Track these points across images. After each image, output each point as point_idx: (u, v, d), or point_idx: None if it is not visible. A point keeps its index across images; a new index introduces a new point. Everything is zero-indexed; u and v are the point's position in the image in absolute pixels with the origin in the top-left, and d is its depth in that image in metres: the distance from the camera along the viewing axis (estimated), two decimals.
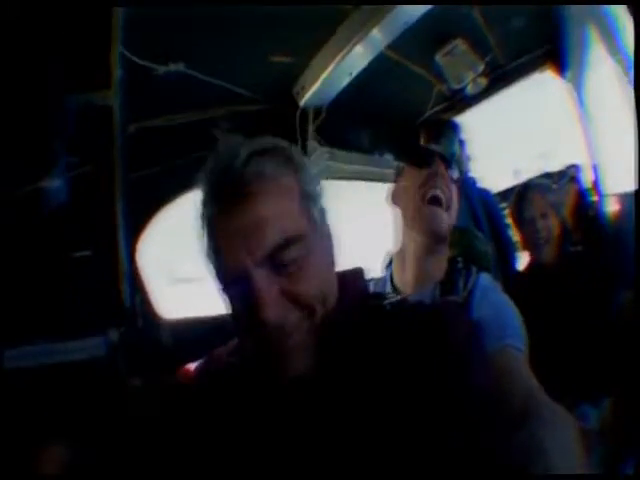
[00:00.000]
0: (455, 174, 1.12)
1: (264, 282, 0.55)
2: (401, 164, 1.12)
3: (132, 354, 1.01)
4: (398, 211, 1.11)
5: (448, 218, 1.05)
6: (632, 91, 1.06)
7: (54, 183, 1.01)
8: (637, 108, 1.02)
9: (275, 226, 0.57)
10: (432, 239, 1.04)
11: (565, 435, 0.63)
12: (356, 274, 0.72)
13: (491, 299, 0.95)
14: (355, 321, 0.64)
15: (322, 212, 0.65)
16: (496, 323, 0.87)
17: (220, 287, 0.61)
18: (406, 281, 1.07)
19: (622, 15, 1.17)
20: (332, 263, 0.66)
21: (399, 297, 0.75)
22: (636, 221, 1.10)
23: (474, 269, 1.03)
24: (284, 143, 0.65)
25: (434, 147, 1.17)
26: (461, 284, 0.99)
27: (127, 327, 1.02)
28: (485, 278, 1.01)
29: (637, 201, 1.17)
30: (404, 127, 2.13)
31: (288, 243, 0.57)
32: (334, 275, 0.66)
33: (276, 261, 0.56)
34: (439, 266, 1.05)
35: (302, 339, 0.58)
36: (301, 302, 0.58)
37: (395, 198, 1.13)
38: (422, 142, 1.97)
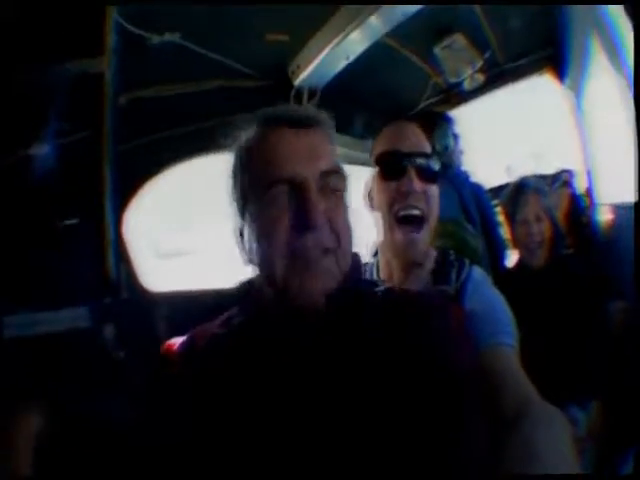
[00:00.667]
0: (433, 182, 1.02)
1: (315, 192, 0.63)
2: (374, 167, 1.04)
3: (117, 325, 1.02)
4: (376, 215, 1.06)
5: (424, 236, 0.99)
6: (631, 94, 1.06)
7: (43, 150, 1.00)
8: (636, 112, 1.02)
9: (331, 156, 0.67)
10: (406, 262, 1.01)
11: (558, 434, 0.64)
12: (356, 257, 0.74)
13: (483, 293, 0.95)
14: (350, 303, 0.67)
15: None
16: (488, 318, 0.88)
17: (262, 202, 0.65)
18: (393, 279, 1.05)
19: (623, 24, 1.17)
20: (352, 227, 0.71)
21: (390, 285, 0.77)
22: (635, 231, 1.11)
23: (467, 261, 1.02)
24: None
25: (413, 149, 1.01)
26: (454, 275, 0.98)
27: (112, 298, 1.02)
28: (478, 271, 1.00)
29: (637, 211, 1.18)
30: (397, 115, 2.13)
31: (337, 171, 0.67)
32: (353, 241, 0.71)
33: (326, 184, 0.65)
34: (424, 273, 1.02)
35: (326, 270, 0.64)
36: (336, 232, 0.65)
37: (371, 203, 1.07)
38: None
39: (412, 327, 0.63)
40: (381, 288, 0.74)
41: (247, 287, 0.74)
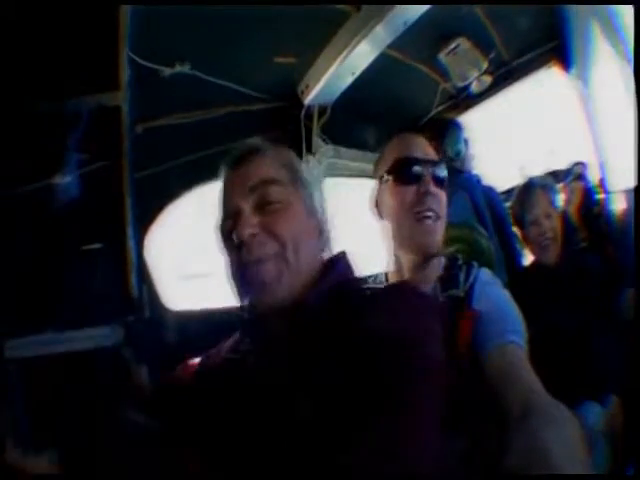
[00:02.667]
0: (443, 187, 1.05)
1: (247, 208, 0.70)
2: (386, 176, 1.06)
3: (138, 345, 1.05)
4: (386, 223, 1.08)
5: (440, 227, 1.03)
6: (633, 88, 1.06)
7: (66, 179, 1.06)
8: (637, 104, 1.01)
9: (264, 172, 0.73)
10: (423, 256, 1.03)
11: (567, 432, 0.63)
12: (339, 259, 0.78)
13: (491, 293, 0.95)
14: (329, 307, 0.67)
15: (311, 192, 0.78)
16: (496, 318, 0.88)
17: (221, 234, 0.74)
18: None
19: (625, 13, 1.16)
20: (313, 233, 0.75)
21: (381, 285, 0.79)
22: (636, 218, 1.09)
23: (475, 264, 1.03)
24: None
25: (426, 157, 1.05)
26: (462, 278, 0.99)
27: (134, 318, 1.06)
28: (485, 273, 1.01)
29: (637, 198, 1.16)
30: (409, 126, 2.14)
31: (272, 182, 0.72)
32: (314, 244, 0.75)
33: (258, 198, 0.71)
34: (433, 275, 1.03)
35: (274, 274, 0.67)
36: (274, 237, 0.69)
37: (379, 212, 1.09)
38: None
39: (375, 316, 0.63)
40: (371, 286, 0.78)
41: (244, 311, 0.77)
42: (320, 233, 0.76)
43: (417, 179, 1.02)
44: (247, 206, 0.70)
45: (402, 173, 1.04)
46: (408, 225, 1.02)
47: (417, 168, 1.03)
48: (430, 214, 1.00)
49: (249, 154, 0.75)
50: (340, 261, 0.77)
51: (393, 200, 1.04)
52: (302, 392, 0.58)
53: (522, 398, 0.71)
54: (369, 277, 1.10)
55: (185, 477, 0.65)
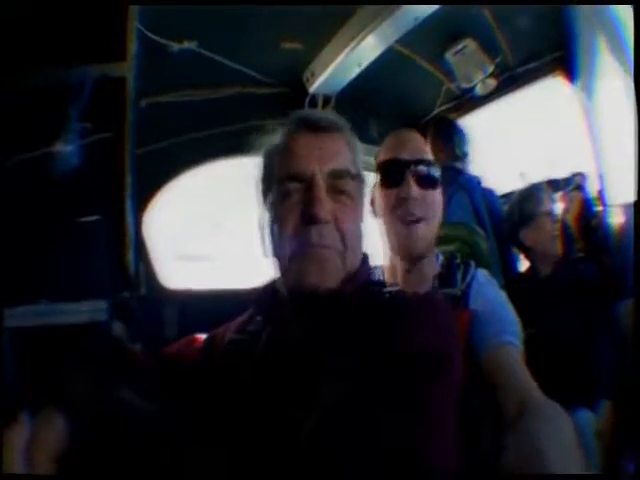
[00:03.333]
0: (433, 187, 1.01)
1: (322, 184, 0.66)
2: (376, 175, 1.03)
3: (133, 320, 1.03)
4: (380, 221, 1.06)
5: (424, 229, 0.99)
6: (633, 91, 1.06)
7: (66, 148, 1.04)
8: (637, 107, 1.02)
9: (344, 159, 0.70)
10: (409, 258, 1.01)
11: (563, 431, 0.63)
12: (364, 259, 0.76)
13: (488, 293, 0.95)
14: (359, 300, 0.67)
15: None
16: (493, 318, 0.88)
17: (276, 195, 0.69)
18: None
19: (629, 22, 1.17)
20: (364, 234, 0.73)
21: (397, 288, 0.76)
22: (635, 230, 1.11)
23: (472, 263, 1.03)
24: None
25: (411, 157, 1.00)
26: (459, 277, 0.98)
27: (130, 294, 1.04)
28: (482, 273, 1.01)
29: (637, 210, 1.18)
30: (412, 122, 2.15)
31: (349, 174, 0.69)
32: (362, 244, 0.73)
33: (335, 184, 0.67)
34: (429, 274, 1.02)
35: (332, 267, 0.65)
36: (341, 235, 0.66)
37: (374, 210, 1.07)
38: (430, 140, 1.92)
39: (413, 328, 0.61)
40: (390, 289, 0.73)
41: (264, 290, 0.76)
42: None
43: (398, 182, 0.99)
44: (322, 181, 0.66)
45: (385, 175, 1.02)
46: (393, 228, 1.00)
47: (399, 171, 0.99)
48: (412, 218, 0.97)
49: (331, 125, 0.71)
50: (366, 262, 0.76)
51: (380, 201, 1.03)
52: (321, 381, 0.58)
53: (518, 397, 0.72)
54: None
55: (180, 462, 0.65)
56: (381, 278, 1.09)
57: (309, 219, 0.64)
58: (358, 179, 0.71)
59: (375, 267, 1.12)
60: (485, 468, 0.55)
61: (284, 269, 0.68)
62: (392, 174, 1.01)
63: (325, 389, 0.56)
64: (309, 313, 0.66)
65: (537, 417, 0.66)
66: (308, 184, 0.66)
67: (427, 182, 0.99)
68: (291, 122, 0.73)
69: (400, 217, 0.98)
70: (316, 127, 0.70)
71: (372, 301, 0.69)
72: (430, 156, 1.04)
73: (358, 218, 0.71)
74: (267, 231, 0.71)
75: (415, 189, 0.97)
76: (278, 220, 0.68)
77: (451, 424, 0.54)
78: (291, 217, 0.66)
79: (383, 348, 0.58)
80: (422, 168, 0.99)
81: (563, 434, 0.62)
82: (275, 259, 0.70)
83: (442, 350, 0.59)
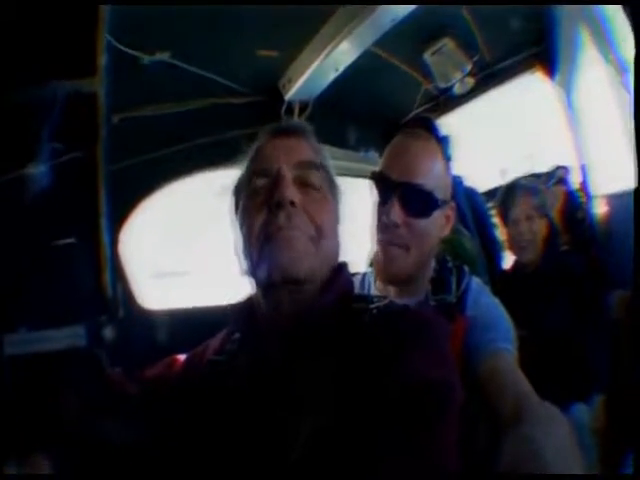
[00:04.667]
0: (422, 216, 0.92)
1: (289, 176, 0.67)
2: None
3: (112, 344, 1.00)
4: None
5: (405, 256, 0.94)
6: (631, 95, 1.06)
7: (37, 170, 1.00)
8: (636, 111, 1.02)
9: (309, 152, 0.72)
10: (388, 280, 0.99)
11: (559, 435, 0.63)
12: (342, 265, 0.74)
13: (483, 302, 0.95)
14: (335, 319, 0.66)
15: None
16: (489, 326, 0.89)
17: (246, 195, 0.71)
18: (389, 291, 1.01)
19: (615, 15, 1.17)
20: (338, 233, 0.73)
21: (386, 301, 0.72)
22: (635, 222, 1.11)
23: (466, 270, 1.01)
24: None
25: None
26: (453, 283, 0.97)
27: (108, 317, 1.01)
28: (476, 281, 1.00)
29: (636, 202, 1.18)
30: (390, 125, 2.14)
31: (314, 165, 0.71)
32: (337, 244, 0.72)
33: (302, 175, 0.69)
34: (421, 286, 0.99)
35: (304, 250, 0.64)
36: (312, 221, 0.66)
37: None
38: None
39: (409, 358, 0.58)
40: (378, 303, 0.70)
41: (240, 306, 0.74)
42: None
43: (384, 202, 0.93)
44: (289, 174, 0.67)
45: (375, 188, 0.97)
46: (375, 247, 0.98)
47: (385, 189, 0.94)
48: (392, 243, 0.93)
49: (295, 130, 0.75)
50: (345, 269, 0.74)
51: (371, 214, 0.99)
52: (303, 410, 0.56)
53: (514, 402, 0.72)
54: (355, 274, 1.07)
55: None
56: (369, 284, 1.08)
57: (276, 204, 0.64)
58: (325, 172, 0.73)
59: (364, 274, 1.11)
60: (482, 473, 0.54)
61: (255, 266, 0.67)
62: (380, 190, 0.96)
63: (307, 420, 0.55)
64: (287, 329, 0.64)
65: (534, 422, 0.66)
66: (275, 176, 0.67)
67: (414, 209, 0.92)
68: (261, 133, 0.76)
69: (380, 240, 0.95)
70: (283, 132, 0.74)
71: (358, 320, 0.66)
72: (426, 178, 0.93)
73: (330, 211, 0.71)
74: (239, 240, 0.70)
75: (398, 214, 0.91)
76: (247, 218, 0.68)
77: (454, 455, 0.52)
78: (260, 212, 0.67)
79: (372, 379, 0.55)
80: (410, 193, 0.91)
81: (560, 438, 0.62)
82: (247, 263, 0.69)
83: (442, 382, 0.57)
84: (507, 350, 0.85)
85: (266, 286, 0.66)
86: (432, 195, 0.93)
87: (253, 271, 0.68)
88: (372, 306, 0.69)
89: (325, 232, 0.67)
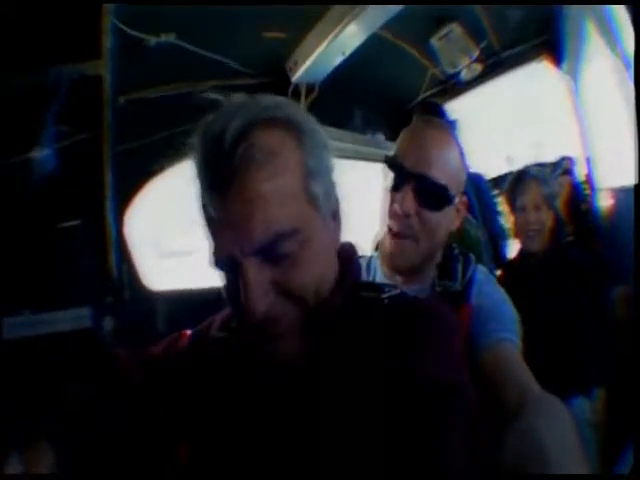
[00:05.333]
0: (433, 208, 0.92)
1: (253, 273, 0.53)
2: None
3: (118, 325, 1.03)
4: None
5: (413, 248, 0.94)
6: (633, 90, 1.05)
7: (44, 153, 1.01)
8: (637, 111, 1.01)
9: (266, 220, 0.53)
10: (393, 270, 0.99)
11: (562, 426, 0.63)
12: (350, 252, 0.70)
13: (488, 292, 0.95)
14: (349, 312, 0.62)
15: (328, 188, 0.62)
16: (493, 316, 0.88)
17: (214, 268, 0.60)
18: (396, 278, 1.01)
19: (619, 12, 1.16)
20: (335, 242, 0.65)
21: (397, 291, 0.68)
22: (636, 216, 1.10)
23: (472, 258, 1.02)
24: (288, 107, 0.60)
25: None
26: (459, 271, 0.97)
27: (114, 298, 1.04)
28: (482, 270, 1.00)
29: (637, 196, 1.17)
30: (396, 108, 2.13)
31: (281, 238, 0.54)
32: (334, 256, 0.65)
33: (268, 253, 0.54)
34: (428, 272, 1.00)
35: (291, 326, 0.57)
36: (293, 294, 0.56)
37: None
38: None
39: (421, 354, 0.57)
40: (390, 293, 0.66)
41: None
42: (337, 230, 0.65)
43: (397, 188, 0.92)
44: (251, 264, 0.54)
45: (390, 173, 0.95)
46: (383, 234, 0.97)
47: (399, 177, 0.92)
48: (399, 232, 0.93)
49: (235, 168, 0.53)
50: (354, 256, 0.70)
51: (385, 202, 0.97)
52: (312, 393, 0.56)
53: (517, 393, 0.73)
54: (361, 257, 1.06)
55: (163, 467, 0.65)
56: (375, 269, 1.08)
57: (249, 313, 0.56)
58: (299, 232, 0.56)
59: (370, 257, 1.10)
60: (484, 464, 0.55)
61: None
62: (393, 177, 0.94)
63: (313, 407, 0.55)
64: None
65: (536, 412, 0.67)
66: (234, 269, 0.56)
67: (427, 201, 0.91)
68: (198, 165, 0.58)
69: (390, 228, 0.95)
70: (227, 173, 0.53)
71: (369, 310, 0.63)
72: (442, 172, 0.92)
73: (314, 252, 0.59)
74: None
75: (411, 204, 0.90)
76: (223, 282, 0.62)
77: (461, 455, 0.51)
78: (232, 293, 0.58)
79: (382, 376, 0.54)
80: (424, 185, 0.91)
81: (563, 429, 0.63)
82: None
83: (455, 384, 0.56)
84: (511, 340, 0.84)
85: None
86: (446, 189, 0.92)
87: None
88: (384, 296, 0.65)
89: (306, 290, 0.58)
